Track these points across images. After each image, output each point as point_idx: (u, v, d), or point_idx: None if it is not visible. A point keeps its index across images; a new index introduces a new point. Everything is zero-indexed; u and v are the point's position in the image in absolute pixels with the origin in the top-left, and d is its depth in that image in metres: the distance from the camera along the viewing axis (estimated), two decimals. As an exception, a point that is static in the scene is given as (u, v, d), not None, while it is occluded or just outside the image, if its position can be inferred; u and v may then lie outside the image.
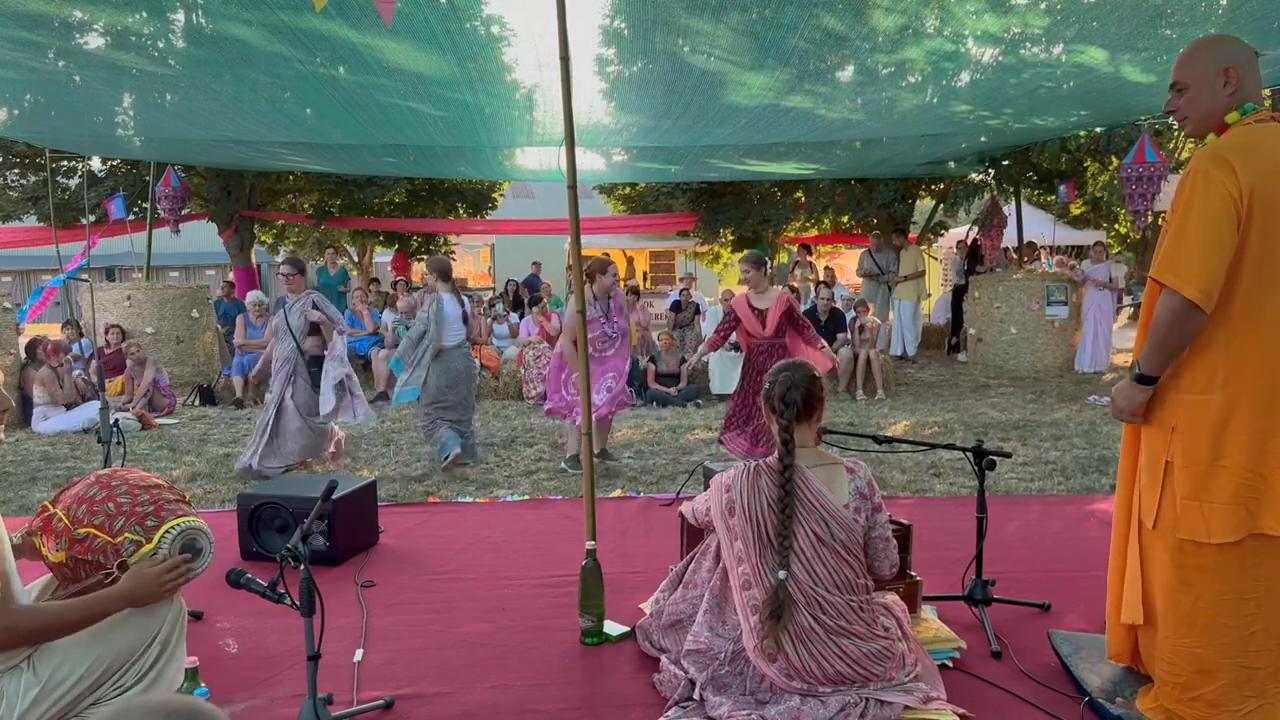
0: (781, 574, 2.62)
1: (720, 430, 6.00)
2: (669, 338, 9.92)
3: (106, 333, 9.64)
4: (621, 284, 6.64)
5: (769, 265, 6.15)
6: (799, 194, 15.09)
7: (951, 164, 12.00)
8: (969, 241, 13.55)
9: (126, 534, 2.35)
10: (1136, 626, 2.61)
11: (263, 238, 16.54)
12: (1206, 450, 2.32)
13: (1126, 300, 15.74)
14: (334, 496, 3.25)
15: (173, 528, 2.39)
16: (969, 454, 3.44)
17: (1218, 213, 2.23)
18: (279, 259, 6.38)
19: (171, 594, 2.36)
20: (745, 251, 6.47)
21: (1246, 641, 2.31)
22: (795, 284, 13.57)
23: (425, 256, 17.05)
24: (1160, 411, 2.46)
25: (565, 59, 3.36)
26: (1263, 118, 2.37)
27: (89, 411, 7.96)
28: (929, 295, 15.17)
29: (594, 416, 6.02)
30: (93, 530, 2.34)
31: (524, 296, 13.03)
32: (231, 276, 14.40)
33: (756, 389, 5.78)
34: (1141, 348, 2.52)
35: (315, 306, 6.19)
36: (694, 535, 3.41)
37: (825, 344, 5.82)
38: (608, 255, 13.42)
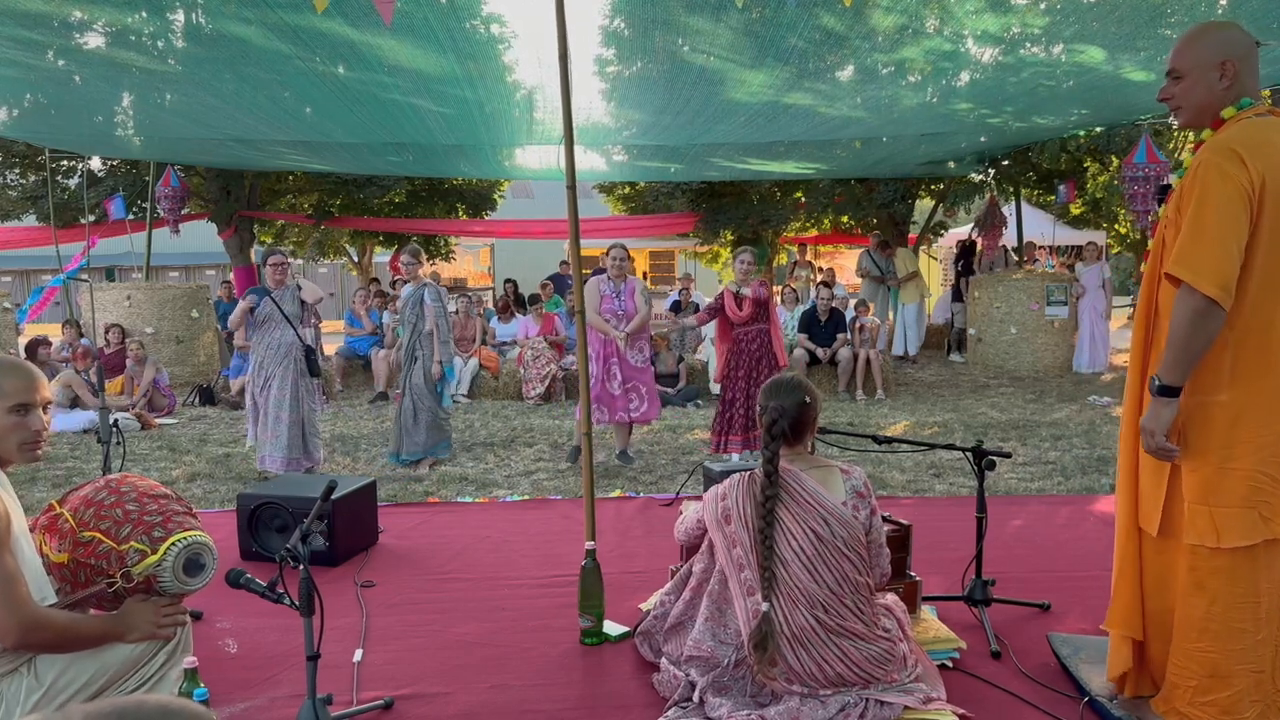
0: (765, 606, 2.60)
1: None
2: (663, 340, 9.91)
3: (106, 333, 9.64)
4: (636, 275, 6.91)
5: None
6: (799, 194, 15.07)
7: (951, 164, 11.98)
8: (968, 242, 13.54)
9: (133, 542, 2.35)
10: (1137, 642, 2.55)
11: (263, 238, 16.52)
12: (1215, 453, 2.27)
13: (1126, 299, 15.71)
14: (333, 496, 3.24)
15: (179, 540, 2.38)
16: (969, 454, 3.44)
17: (1233, 207, 2.17)
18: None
19: (164, 636, 2.35)
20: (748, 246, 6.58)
21: (1257, 646, 2.28)
22: (795, 284, 13.56)
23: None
24: None
25: (565, 58, 3.36)
26: (1261, 111, 2.32)
27: (89, 411, 7.96)
28: (930, 295, 15.15)
29: (618, 421, 6.25)
30: (98, 535, 2.34)
31: (542, 297, 12.97)
32: (231, 277, 14.39)
33: (747, 380, 5.82)
34: (1138, 354, 2.45)
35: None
36: (694, 535, 3.41)
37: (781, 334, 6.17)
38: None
